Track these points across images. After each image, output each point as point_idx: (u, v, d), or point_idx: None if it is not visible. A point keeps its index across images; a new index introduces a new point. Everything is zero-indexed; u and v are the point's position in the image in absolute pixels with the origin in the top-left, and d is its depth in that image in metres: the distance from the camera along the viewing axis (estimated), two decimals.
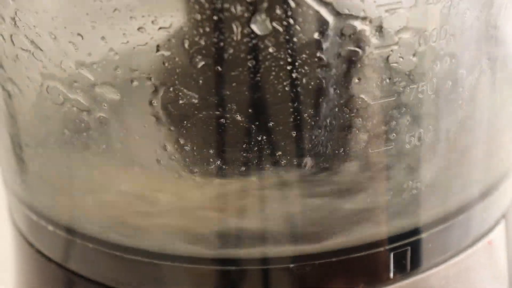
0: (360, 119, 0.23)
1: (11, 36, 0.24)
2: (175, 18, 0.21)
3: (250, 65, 0.22)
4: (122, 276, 0.27)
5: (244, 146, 0.23)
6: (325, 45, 0.22)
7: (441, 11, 0.23)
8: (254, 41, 0.21)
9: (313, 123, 0.23)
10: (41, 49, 0.24)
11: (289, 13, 0.21)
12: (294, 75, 0.22)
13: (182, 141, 0.23)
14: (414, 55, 0.23)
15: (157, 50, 0.22)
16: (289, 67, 0.22)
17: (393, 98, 0.24)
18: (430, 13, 0.23)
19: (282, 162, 0.23)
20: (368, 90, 0.23)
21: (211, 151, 0.23)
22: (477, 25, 0.24)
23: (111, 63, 0.23)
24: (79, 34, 0.23)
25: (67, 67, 0.23)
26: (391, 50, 0.23)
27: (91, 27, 0.22)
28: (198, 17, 0.21)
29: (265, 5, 0.21)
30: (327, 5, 0.21)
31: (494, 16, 0.25)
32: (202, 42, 0.22)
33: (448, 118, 0.25)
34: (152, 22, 0.21)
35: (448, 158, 0.26)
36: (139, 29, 0.22)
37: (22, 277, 0.32)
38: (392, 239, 0.26)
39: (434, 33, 0.23)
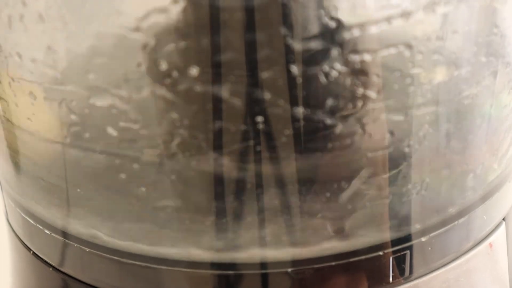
0: (361, 125, 0.23)
1: None
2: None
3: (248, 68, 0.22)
4: (119, 280, 0.27)
5: (242, 147, 0.23)
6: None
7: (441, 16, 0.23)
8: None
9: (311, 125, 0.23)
10: (31, 57, 0.24)
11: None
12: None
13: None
14: (414, 58, 0.23)
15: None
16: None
17: (392, 101, 0.24)
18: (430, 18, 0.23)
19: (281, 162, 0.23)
20: (367, 92, 0.23)
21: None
22: (477, 28, 0.24)
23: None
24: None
25: (57, 71, 0.23)
26: (392, 54, 0.23)
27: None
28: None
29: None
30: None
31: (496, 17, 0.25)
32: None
33: (448, 120, 0.25)
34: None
35: (448, 161, 0.26)
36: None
37: (19, 280, 0.32)
38: (391, 243, 0.26)
39: (433, 36, 0.23)
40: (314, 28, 0.22)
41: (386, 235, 0.26)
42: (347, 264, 0.25)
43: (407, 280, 0.26)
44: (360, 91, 0.23)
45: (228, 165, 0.23)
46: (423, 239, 0.26)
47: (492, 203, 0.29)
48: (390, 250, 0.26)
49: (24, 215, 0.29)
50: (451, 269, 0.27)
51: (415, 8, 0.22)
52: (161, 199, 0.25)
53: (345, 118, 0.23)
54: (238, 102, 0.22)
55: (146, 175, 0.25)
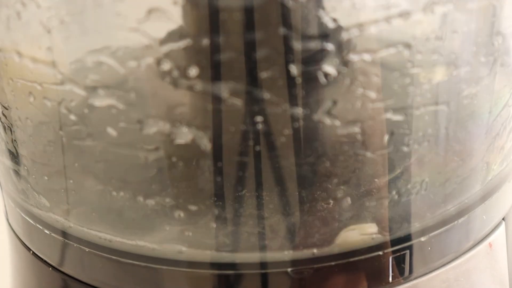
0: (359, 122, 0.23)
1: None
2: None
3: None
4: (118, 280, 0.26)
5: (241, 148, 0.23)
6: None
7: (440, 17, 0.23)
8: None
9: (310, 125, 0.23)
10: (31, 56, 0.24)
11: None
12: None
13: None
14: (413, 58, 0.23)
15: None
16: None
17: (392, 101, 0.23)
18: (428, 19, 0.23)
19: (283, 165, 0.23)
20: (367, 92, 0.23)
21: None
22: (476, 28, 0.24)
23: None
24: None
25: (58, 71, 0.23)
26: (391, 54, 0.23)
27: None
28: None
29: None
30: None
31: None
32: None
33: (448, 121, 0.25)
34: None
35: (448, 161, 0.26)
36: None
37: (19, 280, 0.32)
38: (391, 242, 0.26)
39: (432, 36, 0.23)
40: (314, 28, 0.22)
41: (386, 235, 0.25)
42: (346, 264, 0.25)
43: (407, 280, 0.26)
44: (359, 91, 0.23)
45: (227, 165, 0.23)
46: (422, 239, 0.26)
47: (492, 203, 0.29)
48: (390, 250, 0.26)
49: (24, 215, 0.29)
50: (450, 269, 0.27)
51: (414, 8, 0.22)
52: (161, 199, 0.25)
53: (344, 118, 0.23)
54: (237, 102, 0.22)
55: (145, 175, 0.24)
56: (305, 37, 0.22)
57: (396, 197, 0.25)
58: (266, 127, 0.23)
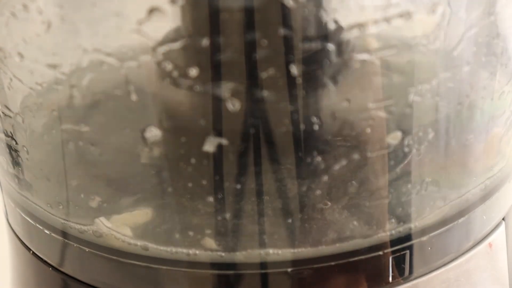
0: (360, 125, 0.23)
1: None
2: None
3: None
4: (119, 280, 0.26)
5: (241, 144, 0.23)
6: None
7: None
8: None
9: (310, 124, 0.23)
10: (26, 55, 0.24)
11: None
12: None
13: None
14: (413, 58, 0.23)
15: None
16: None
17: (392, 100, 0.23)
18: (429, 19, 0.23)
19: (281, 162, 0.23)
20: (367, 92, 0.23)
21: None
22: (477, 29, 0.24)
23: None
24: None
25: (58, 71, 0.23)
26: (392, 54, 0.23)
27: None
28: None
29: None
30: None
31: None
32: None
33: (448, 120, 0.25)
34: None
35: (448, 161, 0.26)
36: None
37: (19, 280, 0.32)
38: (391, 242, 0.26)
39: (433, 36, 0.23)
40: (314, 29, 0.22)
41: (386, 235, 0.25)
42: (347, 264, 0.25)
43: (407, 280, 0.26)
44: (359, 91, 0.23)
45: (227, 165, 0.23)
46: (423, 239, 0.26)
47: (492, 203, 0.29)
48: (390, 250, 0.26)
49: (24, 215, 0.29)
50: (451, 269, 0.27)
51: (415, 9, 0.22)
52: (161, 199, 0.25)
53: (344, 118, 0.23)
54: (237, 102, 0.22)
55: (145, 175, 0.24)
56: (306, 38, 0.22)
57: (396, 197, 0.25)
58: (267, 126, 0.23)
